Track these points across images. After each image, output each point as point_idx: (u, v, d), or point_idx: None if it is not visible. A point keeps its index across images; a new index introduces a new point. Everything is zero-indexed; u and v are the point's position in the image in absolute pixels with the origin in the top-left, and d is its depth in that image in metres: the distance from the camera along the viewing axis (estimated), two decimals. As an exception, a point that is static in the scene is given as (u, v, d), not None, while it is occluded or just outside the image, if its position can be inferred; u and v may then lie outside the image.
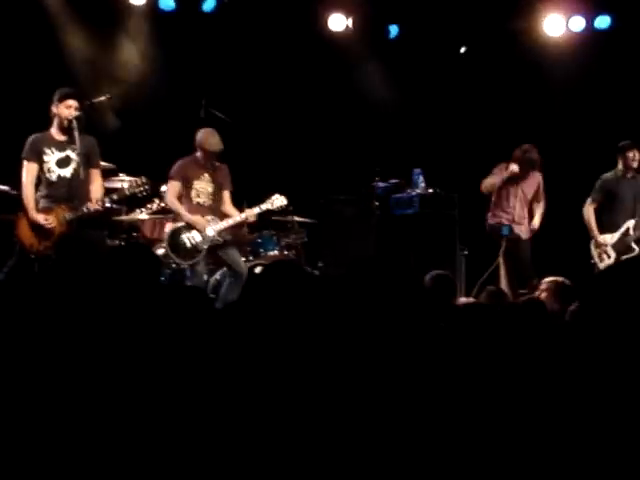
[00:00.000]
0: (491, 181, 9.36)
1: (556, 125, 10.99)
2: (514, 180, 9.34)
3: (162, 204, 8.95)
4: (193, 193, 8.54)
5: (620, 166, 9.31)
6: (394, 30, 11.15)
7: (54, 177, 7.57)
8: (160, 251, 9.15)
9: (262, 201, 8.69)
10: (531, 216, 9.49)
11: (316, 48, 10.94)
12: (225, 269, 8.81)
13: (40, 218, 7.50)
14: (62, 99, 7.54)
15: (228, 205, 8.70)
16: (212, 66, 10.52)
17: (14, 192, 8.15)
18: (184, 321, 3.65)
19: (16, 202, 7.87)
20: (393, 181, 10.32)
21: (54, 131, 7.64)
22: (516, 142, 11.03)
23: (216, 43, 10.62)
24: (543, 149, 11.00)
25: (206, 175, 8.57)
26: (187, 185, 8.53)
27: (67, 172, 7.56)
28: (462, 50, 11.21)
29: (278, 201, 8.72)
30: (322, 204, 10.17)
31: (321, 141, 10.98)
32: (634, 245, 9.13)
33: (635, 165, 9.25)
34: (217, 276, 9.00)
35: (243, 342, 2.94)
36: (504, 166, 9.35)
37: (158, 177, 8.58)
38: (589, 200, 9.36)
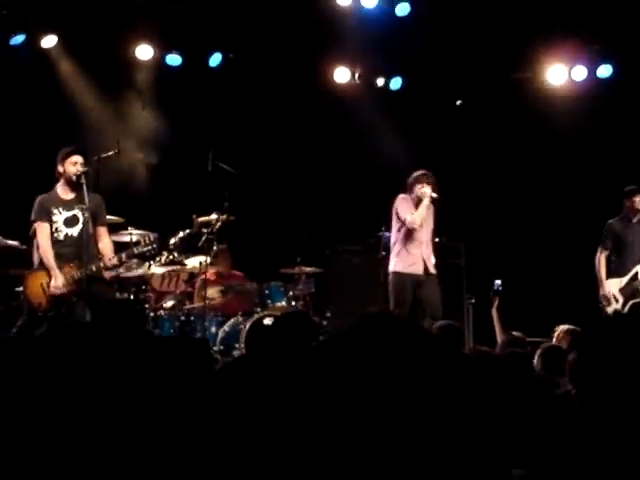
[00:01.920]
0: (420, 213, 8.81)
1: (560, 174, 11.05)
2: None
3: (170, 257, 8.79)
4: None
5: (627, 211, 9.37)
6: (398, 82, 11.27)
7: (61, 236, 7.59)
8: (169, 303, 9.20)
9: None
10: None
11: (321, 100, 11.05)
12: (233, 320, 8.91)
13: (60, 287, 7.45)
14: (67, 156, 7.58)
15: None
16: (219, 120, 10.63)
17: (23, 247, 8.19)
18: (189, 374, 3.68)
19: (24, 257, 7.91)
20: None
21: (60, 190, 7.66)
22: (520, 191, 11.12)
23: (223, 97, 10.74)
24: (548, 197, 11.08)
25: None
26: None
27: (75, 231, 7.59)
28: (458, 103, 11.29)
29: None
30: (328, 254, 10.20)
31: (327, 192, 11.05)
32: (643, 290, 9.14)
33: None
34: (226, 328, 9.02)
35: (251, 395, 2.96)
36: (409, 197, 8.87)
37: (166, 230, 8.63)
38: (600, 248, 9.39)
